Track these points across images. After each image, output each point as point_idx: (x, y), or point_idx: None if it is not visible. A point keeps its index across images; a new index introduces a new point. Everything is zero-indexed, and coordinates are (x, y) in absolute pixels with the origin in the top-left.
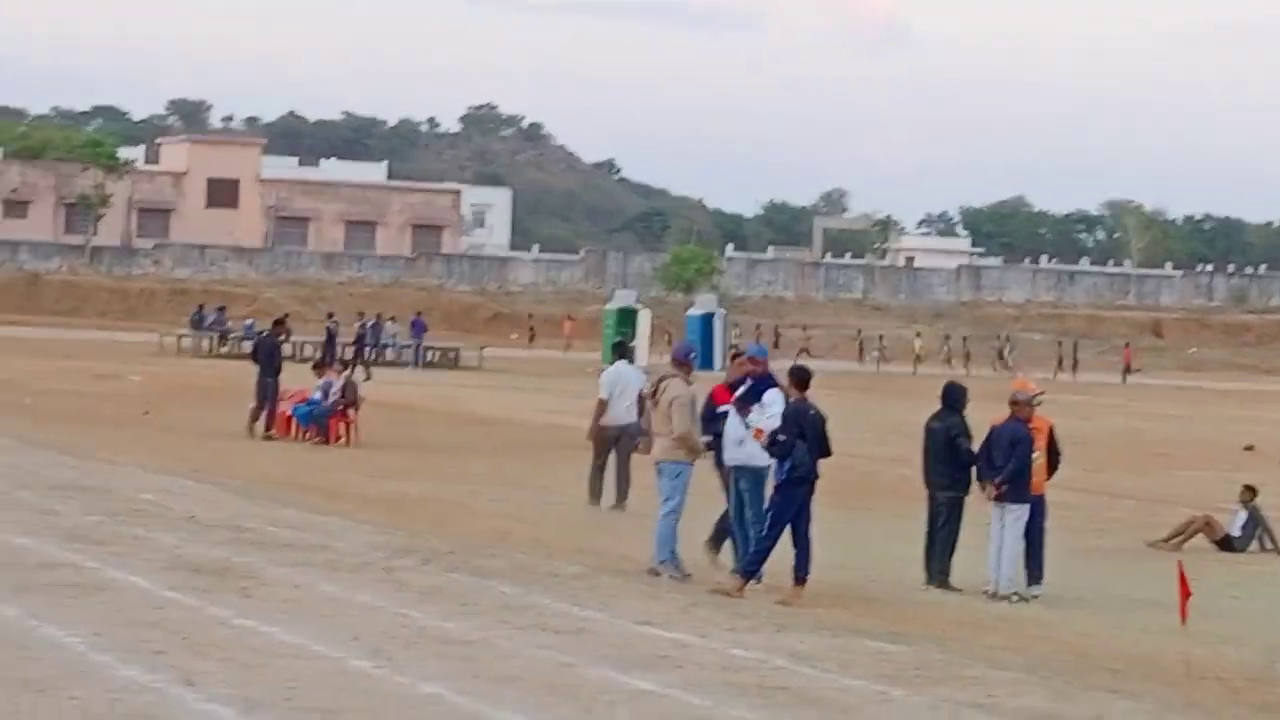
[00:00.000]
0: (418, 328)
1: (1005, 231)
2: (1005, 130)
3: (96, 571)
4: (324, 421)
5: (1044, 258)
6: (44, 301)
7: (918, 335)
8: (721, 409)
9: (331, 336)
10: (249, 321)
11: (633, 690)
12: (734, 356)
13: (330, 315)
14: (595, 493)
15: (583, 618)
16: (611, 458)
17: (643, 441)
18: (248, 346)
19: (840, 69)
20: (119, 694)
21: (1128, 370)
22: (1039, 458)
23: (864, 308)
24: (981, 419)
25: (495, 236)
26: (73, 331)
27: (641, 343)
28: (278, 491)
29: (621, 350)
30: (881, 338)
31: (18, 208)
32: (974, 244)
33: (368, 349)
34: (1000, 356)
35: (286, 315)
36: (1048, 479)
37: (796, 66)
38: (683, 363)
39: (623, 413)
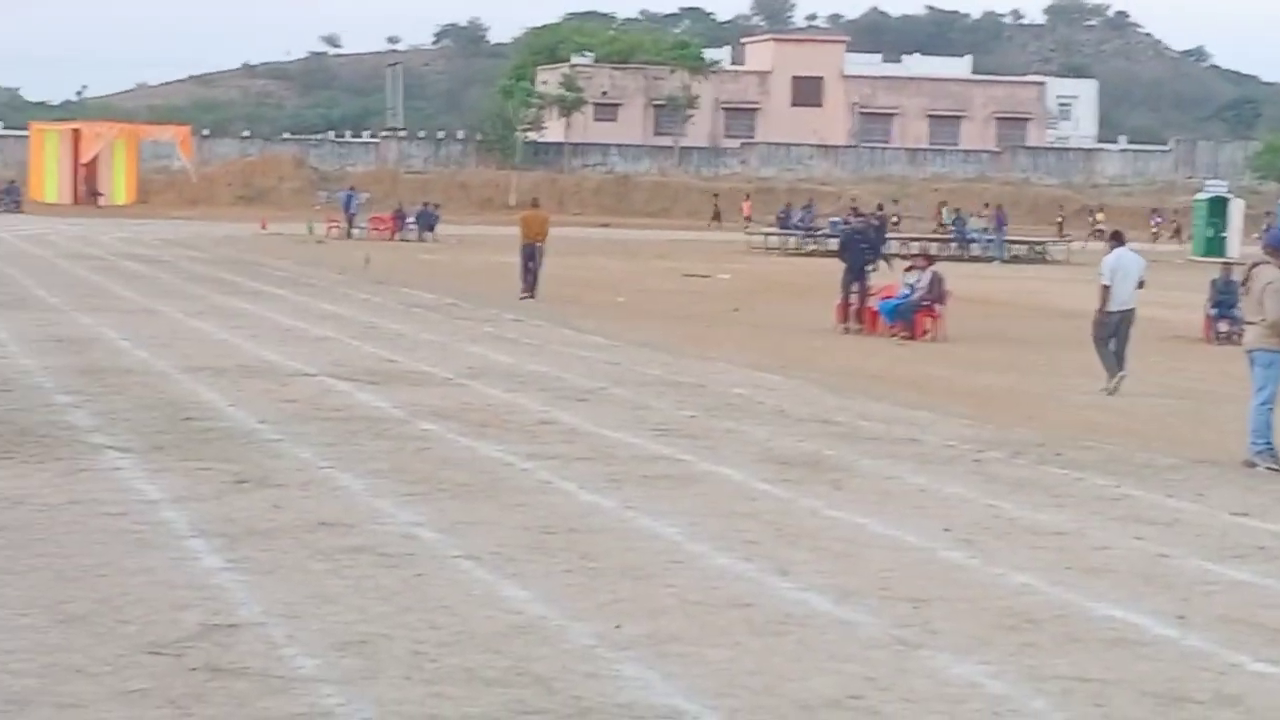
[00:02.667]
0: (999, 221)
1: None
2: None
3: (690, 464)
4: (910, 316)
5: None
6: (634, 203)
7: None
8: None
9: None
10: (835, 218)
11: (1229, 581)
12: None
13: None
14: (1112, 374)
15: (1177, 509)
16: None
17: None
18: (835, 244)
19: None
20: (715, 582)
21: None
22: None
23: None
24: None
25: (1081, 128)
26: (662, 232)
27: (1233, 234)
28: (865, 385)
29: (1119, 237)
30: None
31: (608, 111)
32: None
33: (952, 244)
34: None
35: (881, 207)
36: None
37: None
38: (1276, 250)
39: (1126, 297)
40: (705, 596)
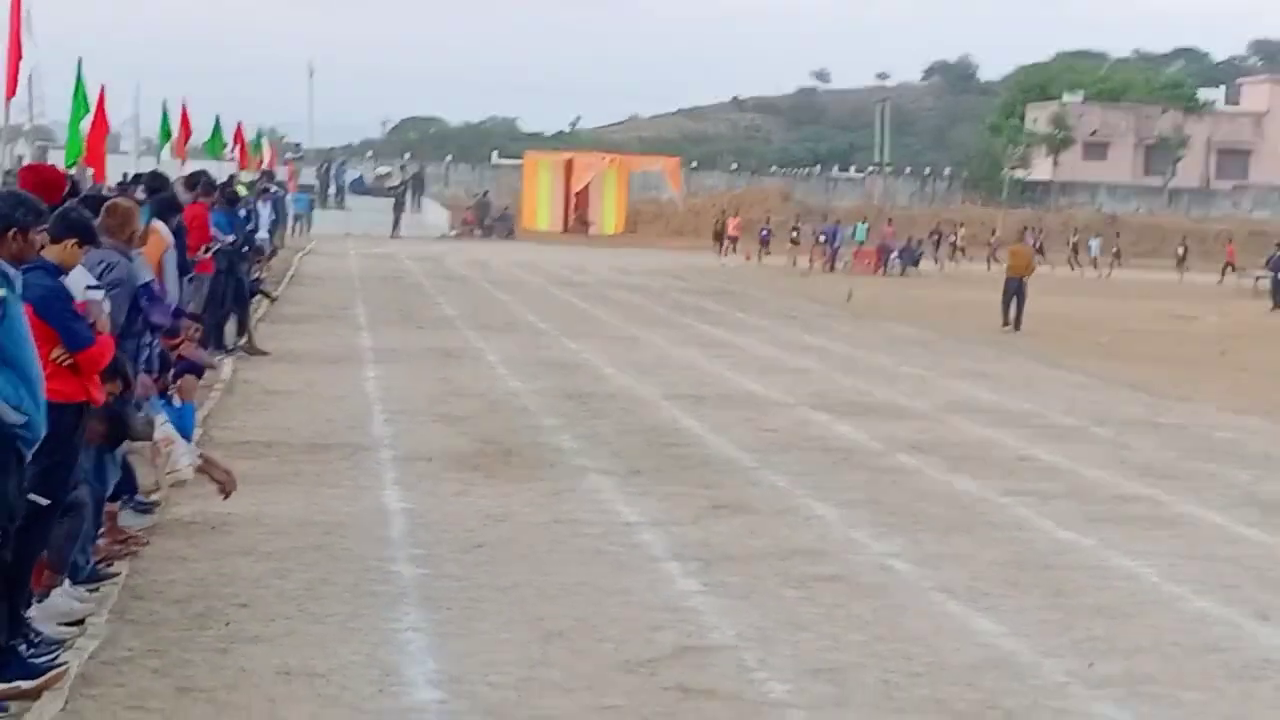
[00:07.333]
0: None
1: None
2: None
3: (1170, 505)
4: None
5: None
6: (1121, 242)
7: None
8: None
9: None
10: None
11: None
12: None
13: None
14: None
15: None
16: None
17: None
18: None
19: None
20: (1192, 624)
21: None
22: None
23: None
24: None
25: None
26: (1149, 273)
27: None
28: None
29: None
30: None
31: (1097, 150)
32: None
33: None
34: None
35: None
36: None
37: None
38: None
39: None
40: (1182, 638)
